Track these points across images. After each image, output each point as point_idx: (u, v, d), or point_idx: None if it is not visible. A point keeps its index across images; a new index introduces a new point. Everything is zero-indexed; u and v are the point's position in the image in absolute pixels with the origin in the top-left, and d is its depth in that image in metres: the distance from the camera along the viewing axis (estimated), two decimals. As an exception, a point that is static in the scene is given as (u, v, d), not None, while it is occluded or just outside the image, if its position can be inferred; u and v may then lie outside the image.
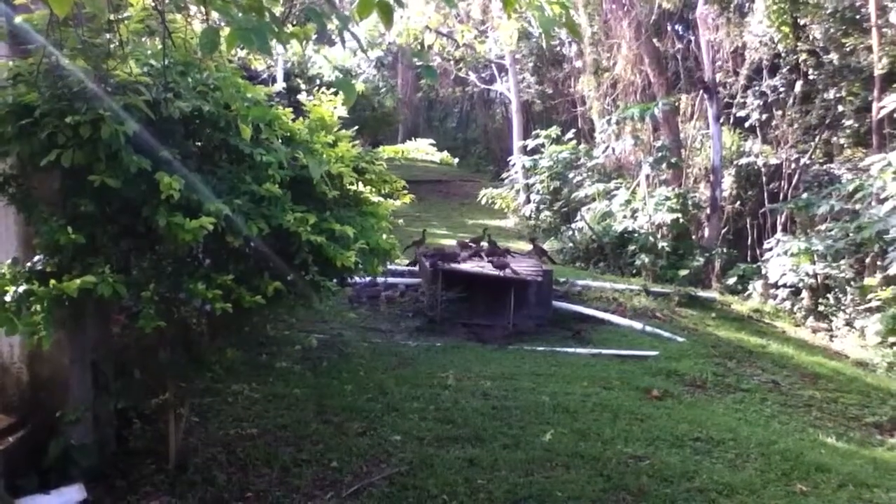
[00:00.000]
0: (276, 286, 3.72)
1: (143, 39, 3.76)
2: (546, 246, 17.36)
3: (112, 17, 3.31)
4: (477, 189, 21.58)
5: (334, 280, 4.20)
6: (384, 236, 4.55)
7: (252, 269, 3.81)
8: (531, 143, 20.38)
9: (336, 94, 4.79)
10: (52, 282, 3.39)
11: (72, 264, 3.56)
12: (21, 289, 3.37)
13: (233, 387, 6.29)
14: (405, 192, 5.13)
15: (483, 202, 20.73)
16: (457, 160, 23.30)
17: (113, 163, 3.35)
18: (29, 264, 3.62)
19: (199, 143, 3.82)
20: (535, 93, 27.48)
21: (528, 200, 20.08)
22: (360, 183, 4.50)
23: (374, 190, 4.75)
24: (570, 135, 20.08)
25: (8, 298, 3.36)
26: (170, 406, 4.51)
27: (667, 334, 10.06)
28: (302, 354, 7.68)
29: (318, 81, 22.27)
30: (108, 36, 3.34)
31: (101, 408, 4.57)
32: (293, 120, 4.49)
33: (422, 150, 4.90)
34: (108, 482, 4.38)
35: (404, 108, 32.85)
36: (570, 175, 19.02)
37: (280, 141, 4.08)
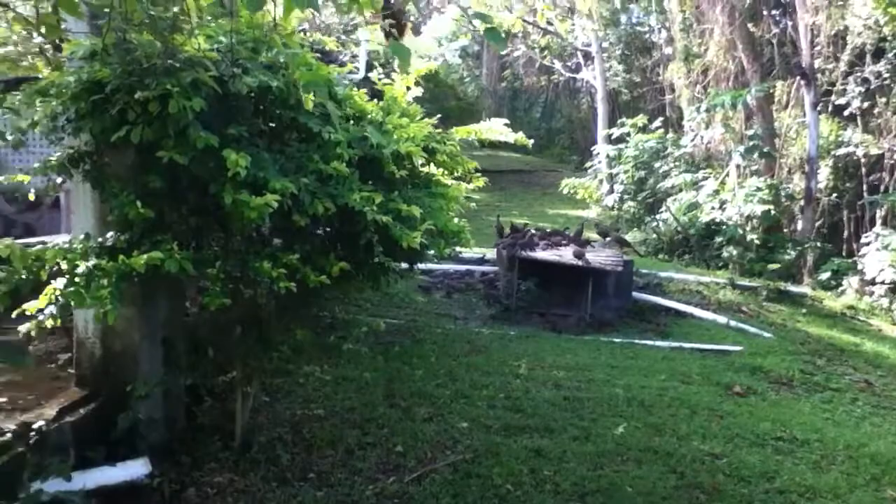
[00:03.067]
0: (342, 266, 3.69)
1: (215, 18, 3.77)
2: (629, 236, 17.01)
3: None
4: (560, 179, 21.26)
5: (402, 262, 4.14)
6: (455, 219, 4.47)
7: (319, 248, 3.80)
8: (616, 132, 19.91)
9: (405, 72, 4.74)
10: (121, 257, 3.45)
11: (141, 240, 3.62)
12: (91, 263, 3.43)
13: (304, 368, 6.34)
14: (478, 175, 5.04)
15: (565, 192, 20.41)
16: (539, 150, 23.17)
17: (181, 139, 3.38)
18: (101, 239, 3.69)
19: (269, 121, 3.82)
20: (623, 81, 26.85)
21: (611, 190, 19.66)
22: (431, 164, 4.44)
23: (445, 172, 4.67)
24: (657, 123, 19.52)
25: (79, 272, 3.43)
26: (238, 384, 4.57)
27: (753, 329, 9.66)
28: (374, 339, 7.71)
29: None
30: (175, 10, 3.36)
31: (172, 384, 4.66)
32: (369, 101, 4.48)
33: (496, 130, 4.79)
34: (175, 457, 4.46)
35: (488, 97, 32.74)
36: (657, 165, 18.49)
37: (351, 121, 4.05)
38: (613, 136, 20.01)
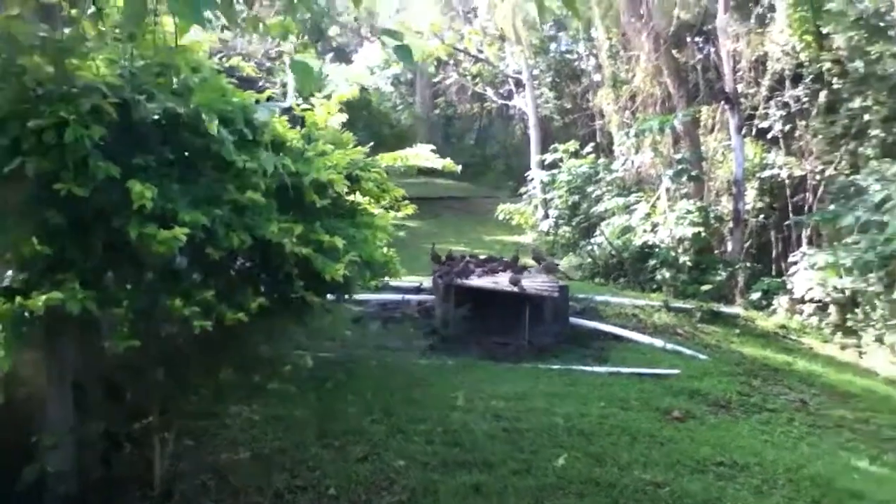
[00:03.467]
0: (261, 302, 3.46)
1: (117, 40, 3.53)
2: (564, 261, 17.10)
3: (72, 10, 3.08)
4: (496, 205, 21.26)
5: (328, 295, 3.92)
6: (383, 249, 4.29)
7: (236, 283, 3.56)
8: (549, 158, 20.06)
9: (328, 98, 4.56)
10: (18, 299, 3.16)
11: (41, 280, 3.33)
12: (-18, 306, 3.13)
13: (231, 408, 6.03)
14: (407, 203, 4.87)
15: (500, 218, 20.42)
16: (474, 176, 23.18)
17: (81, 170, 3.12)
18: (-2, 281, 3.39)
19: (182, 150, 3.58)
20: (554, 108, 27.18)
21: (546, 216, 19.74)
22: (356, 193, 4.25)
23: (372, 201, 4.49)
24: (588, 149, 19.75)
25: (-30, 317, 3.13)
26: (154, 430, 4.26)
27: (689, 352, 9.68)
28: (307, 374, 7.42)
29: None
30: (66, 31, 3.12)
31: (84, 432, 4.32)
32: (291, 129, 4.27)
33: (423, 156, 4.63)
34: (86, 511, 4.12)
35: (422, 125, 32.74)
36: (589, 189, 18.67)
37: (269, 149, 3.83)
38: (546, 162, 20.16)
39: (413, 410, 6.45)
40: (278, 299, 3.56)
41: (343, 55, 27.81)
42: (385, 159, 4.46)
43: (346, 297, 4.23)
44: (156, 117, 3.24)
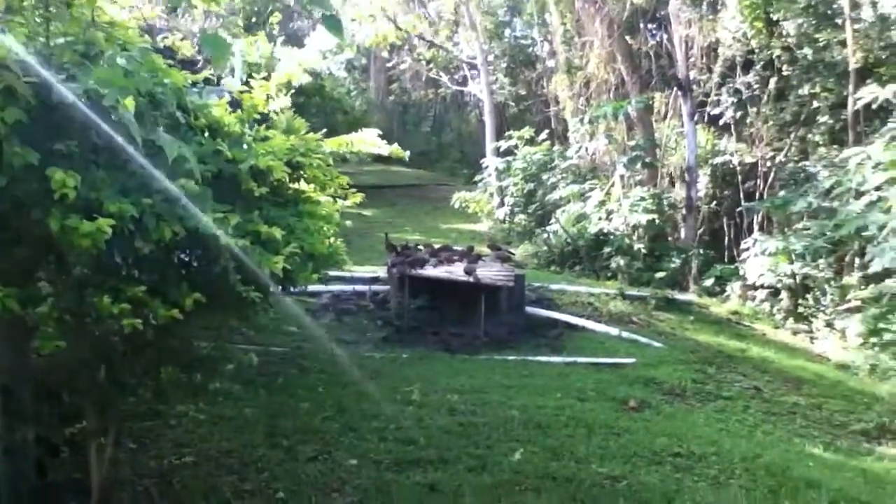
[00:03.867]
0: (196, 298, 3.23)
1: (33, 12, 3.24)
2: (520, 249, 17.01)
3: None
4: (452, 193, 21.09)
5: (269, 289, 3.69)
6: (330, 239, 4.07)
7: (170, 278, 3.32)
8: (504, 145, 19.93)
9: (267, 78, 4.33)
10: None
11: (-44, 279, 3.06)
12: None
13: (177, 408, 5.79)
14: (354, 191, 4.66)
15: (457, 206, 20.26)
16: (430, 164, 22.96)
17: (-5, 157, 2.85)
18: None
19: (107, 134, 3.32)
20: (509, 94, 27.06)
21: (501, 203, 19.62)
22: (301, 180, 4.02)
23: (317, 189, 4.27)
24: (543, 136, 19.67)
25: None
26: (91, 434, 4.01)
27: (644, 340, 9.67)
28: (257, 370, 7.19)
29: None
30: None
31: (13, 438, 4.05)
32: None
33: (368, 142, 4.42)
34: (17, 522, 3.87)
35: (376, 111, 32.37)
36: (545, 177, 18.59)
37: (205, 134, 3.59)
38: (501, 149, 20.03)
39: (366, 406, 6.28)
40: (215, 295, 3.34)
41: (296, 39, 27.35)
42: (330, 144, 4.23)
43: (291, 290, 3.99)
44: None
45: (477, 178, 21.00)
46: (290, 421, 5.78)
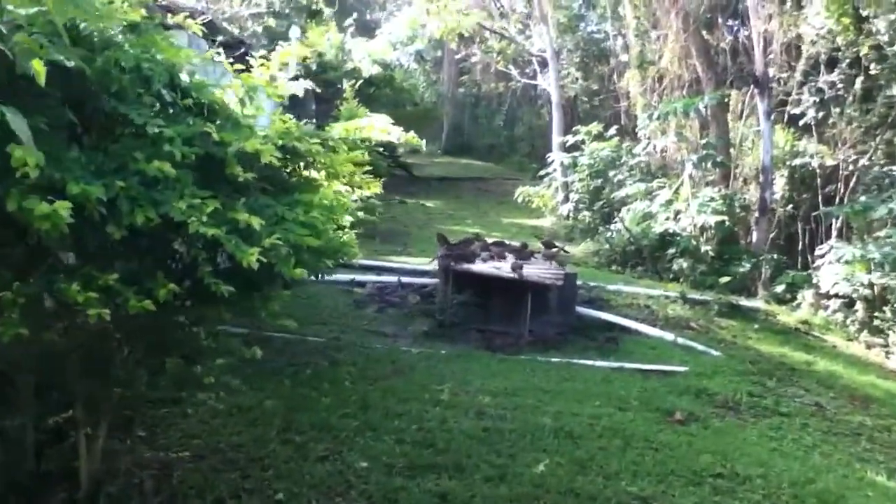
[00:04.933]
0: (172, 288, 3.01)
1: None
2: (581, 247, 16.55)
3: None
4: (518, 187, 20.68)
5: (247, 284, 3.41)
6: (335, 231, 3.80)
7: (146, 267, 3.11)
8: (571, 140, 19.41)
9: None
10: None
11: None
12: None
13: (198, 395, 5.66)
14: (373, 180, 4.39)
15: (520, 201, 19.86)
16: (500, 157, 22.64)
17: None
18: None
19: (94, 112, 3.14)
20: (581, 89, 26.42)
21: (566, 199, 19.13)
22: (308, 167, 3.77)
23: (329, 177, 4.02)
24: (612, 131, 19.07)
25: None
26: (79, 424, 3.86)
27: (701, 347, 9.14)
28: (288, 360, 7.04)
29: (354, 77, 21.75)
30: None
31: (7, 424, 3.96)
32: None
33: (382, 129, 4.13)
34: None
35: (447, 103, 32.17)
36: (612, 174, 18.00)
37: (200, 114, 3.37)
38: (568, 144, 19.53)
39: (391, 404, 6.02)
40: (192, 286, 3.12)
41: (368, 29, 27.33)
42: (334, 128, 3.95)
43: (282, 284, 3.71)
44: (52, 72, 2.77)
45: (541, 172, 20.55)
46: (308, 416, 5.56)
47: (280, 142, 3.34)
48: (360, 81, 21.40)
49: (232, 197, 3.12)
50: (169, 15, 3.94)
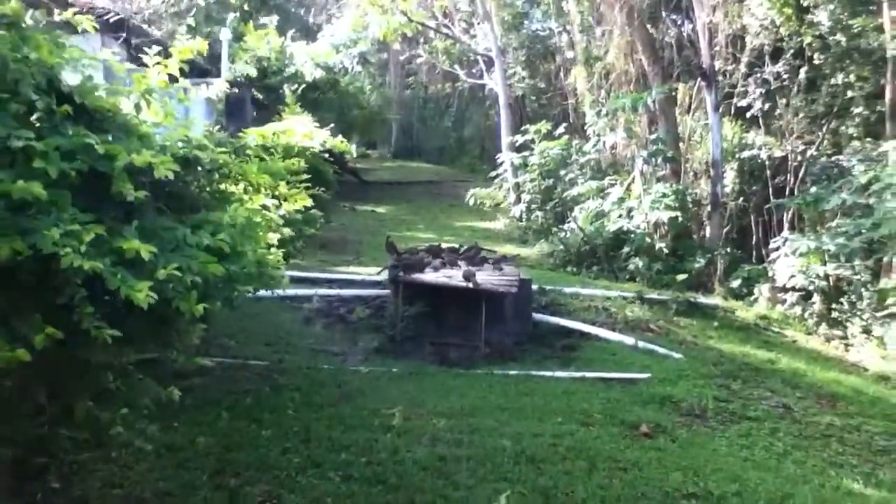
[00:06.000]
0: (52, 333, 2.51)
1: None
2: (535, 249, 16.22)
3: None
4: (469, 190, 20.29)
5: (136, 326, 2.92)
6: (253, 253, 3.32)
7: (21, 309, 2.60)
8: (520, 140, 19.09)
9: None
10: None
11: None
12: None
13: (126, 434, 5.10)
14: (299, 191, 3.92)
15: (471, 203, 19.49)
16: (451, 160, 22.22)
17: None
18: None
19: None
20: (528, 87, 26.14)
21: (518, 200, 18.80)
22: (214, 180, 3.28)
23: (249, 190, 3.53)
24: (561, 129, 18.80)
25: None
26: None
27: (662, 350, 8.84)
28: (228, 388, 6.51)
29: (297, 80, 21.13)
30: None
31: None
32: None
33: (305, 134, 3.66)
34: None
35: (394, 106, 31.65)
36: (563, 172, 17.72)
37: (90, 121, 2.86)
38: (517, 144, 19.21)
39: (337, 434, 5.54)
40: (73, 330, 2.63)
41: (310, 33, 26.66)
42: (249, 134, 3.47)
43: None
44: None
45: (492, 173, 20.20)
46: (246, 453, 5.05)
47: (181, 152, 2.84)
48: (303, 86, 20.83)
49: (121, 220, 2.62)
50: (56, 12, 3.40)
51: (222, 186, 3.41)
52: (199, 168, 3.08)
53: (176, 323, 3.26)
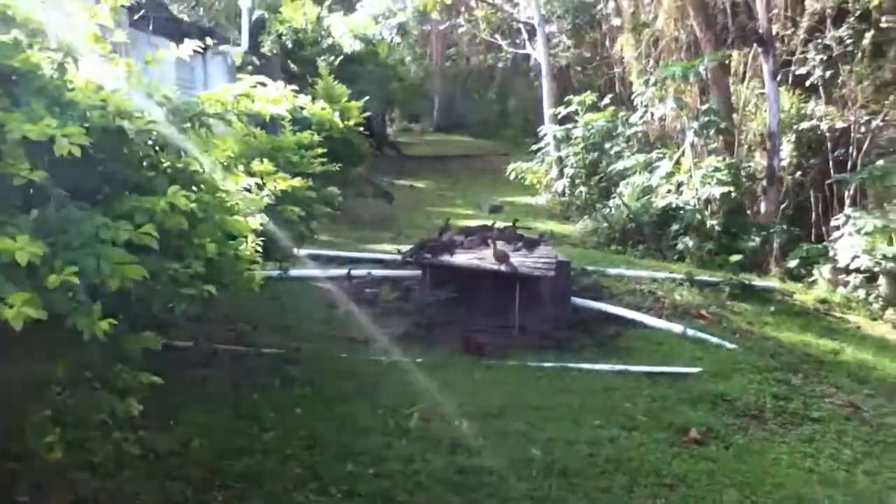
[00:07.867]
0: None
1: None
2: (578, 226, 15.48)
3: None
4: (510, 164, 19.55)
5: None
6: (202, 249, 2.68)
7: None
8: (563, 112, 18.22)
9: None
10: None
11: None
12: None
13: (114, 435, 4.60)
14: (275, 174, 3.30)
15: (513, 178, 18.76)
16: (493, 133, 21.57)
17: None
18: None
19: None
20: (572, 57, 25.10)
21: (561, 175, 17.98)
22: (168, 157, 2.67)
23: (223, 171, 2.92)
24: (607, 100, 17.88)
25: None
26: None
27: (714, 339, 8.09)
28: (235, 380, 5.99)
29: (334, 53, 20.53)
30: None
31: None
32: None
33: (274, 98, 3.03)
34: None
35: (436, 78, 30.93)
36: (608, 146, 16.86)
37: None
38: (560, 116, 18.36)
39: (347, 438, 4.96)
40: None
41: (348, 3, 26.01)
42: (204, 99, 2.86)
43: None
44: None
45: (534, 147, 19.39)
46: (242, 461, 4.51)
47: (98, 122, 2.23)
48: (341, 58, 20.25)
49: (17, 209, 2.02)
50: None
51: (180, 165, 2.79)
52: (128, 141, 2.46)
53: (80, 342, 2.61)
